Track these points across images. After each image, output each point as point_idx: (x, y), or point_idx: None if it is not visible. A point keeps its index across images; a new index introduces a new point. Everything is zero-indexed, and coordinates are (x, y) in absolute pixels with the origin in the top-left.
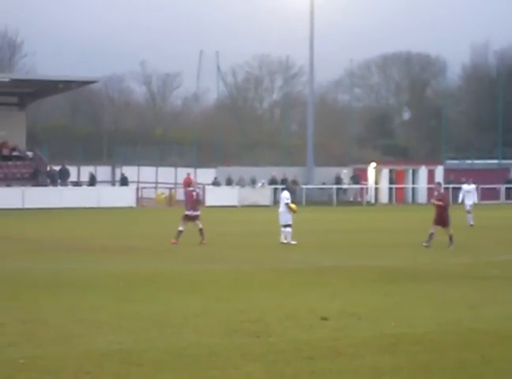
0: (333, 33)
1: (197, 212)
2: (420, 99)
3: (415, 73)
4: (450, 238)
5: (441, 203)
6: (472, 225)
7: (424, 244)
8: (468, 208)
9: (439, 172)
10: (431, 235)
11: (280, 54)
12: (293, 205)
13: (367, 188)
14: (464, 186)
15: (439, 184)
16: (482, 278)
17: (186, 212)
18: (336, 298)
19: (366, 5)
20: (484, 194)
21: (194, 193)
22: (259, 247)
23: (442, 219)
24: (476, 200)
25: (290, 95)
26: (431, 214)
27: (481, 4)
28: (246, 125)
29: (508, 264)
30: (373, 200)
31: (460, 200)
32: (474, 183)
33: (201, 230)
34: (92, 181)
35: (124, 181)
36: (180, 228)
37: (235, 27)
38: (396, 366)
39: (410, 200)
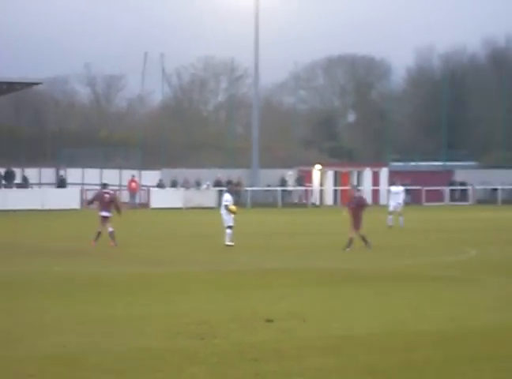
0: (278, 36)
1: (109, 214)
2: (365, 102)
3: (359, 75)
4: (350, 241)
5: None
6: (391, 226)
7: (368, 248)
8: (391, 209)
9: (384, 174)
10: (364, 238)
11: (225, 56)
12: (232, 207)
13: (311, 190)
14: (393, 188)
15: (355, 187)
16: (426, 279)
17: (99, 213)
18: (280, 300)
19: (311, 8)
20: (429, 196)
21: (107, 195)
22: (204, 249)
23: (356, 222)
24: (402, 202)
25: (235, 97)
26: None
27: (425, 8)
28: (190, 127)
29: (451, 265)
30: (318, 202)
31: (374, 202)
32: (403, 185)
33: (111, 232)
34: (25, 183)
35: (62, 183)
36: (99, 229)
37: (179, 29)
38: (340, 368)
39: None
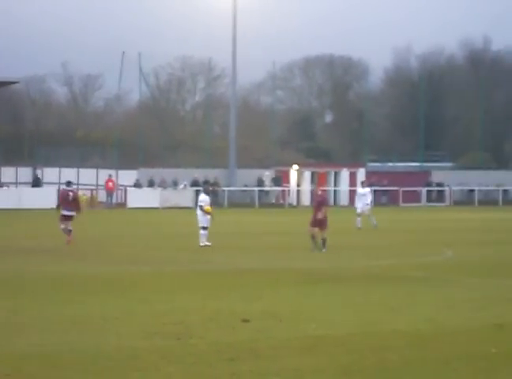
0: (255, 35)
1: (72, 213)
2: (342, 102)
3: (337, 75)
4: (324, 241)
5: (322, 214)
6: (360, 228)
7: (319, 250)
8: (359, 211)
9: (361, 175)
10: (313, 238)
11: (203, 55)
12: (207, 207)
13: (288, 190)
14: (359, 190)
15: (317, 187)
16: (402, 280)
17: (62, 212)
18: (257, 300)
19: (289, 8)
20: (405, 197)
21: (70, 194)
22: (181, 249)
23: (319, 222)
24: (370, 203)
25: (212, 96)
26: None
27: (403, 8)
28: (168, 126)
29: (428, 266)
30: (295, 203)
31: (344, 203)
32: (369, 186)
33: (69, 230)
34: None
35: (37, 182)
36: (62, 226)
37: (157, 28)
38: (316, 368)
39: (332, 202)
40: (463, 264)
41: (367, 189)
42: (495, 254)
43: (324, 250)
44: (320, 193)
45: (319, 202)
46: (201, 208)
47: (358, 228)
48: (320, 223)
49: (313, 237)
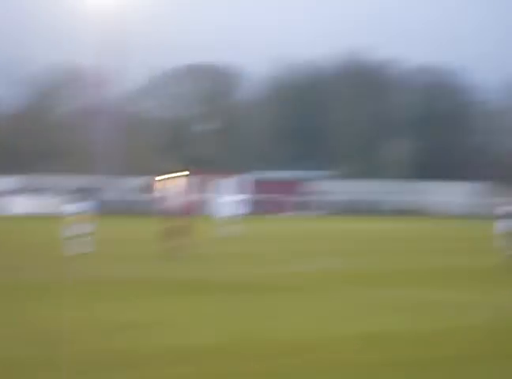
0: (137, 42)
1: None
2: (222, 110)
3: (218, 83)
4: (181, 249)
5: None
6: (223, 237)
7: (176, 257)
8: (222, 220)
9: (239, 183)
10: (176, 248)
11: (84, 61)
12: (79, 216)
13: (163, 198)
14: (224, 198)
15: (182, 193)
16: (276, 289)
17: None
18: (129, 310)
19: (168, 16)
20: (281, 206)
21: None
22: (53, 257)
23: (179, 230)
24: (237, 212)
25: (91, 103)
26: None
27: (284, 16)
28: (44, 133)
29: (300, 275)
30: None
31: (216, 211)
32: (242, 194)
33: None
34: None
35: None
36: None
37: (35, 33)
38: (187, 377)
39: (208, 211)
40: (337, 273)
41: (236, 197)
42: (369, 264)
43: (181, 258)
44: (183, 201)
45: (181, 211)
46: (73, 215)
47: (224, 236)
48: (179, 232)
49: (170, 246)
